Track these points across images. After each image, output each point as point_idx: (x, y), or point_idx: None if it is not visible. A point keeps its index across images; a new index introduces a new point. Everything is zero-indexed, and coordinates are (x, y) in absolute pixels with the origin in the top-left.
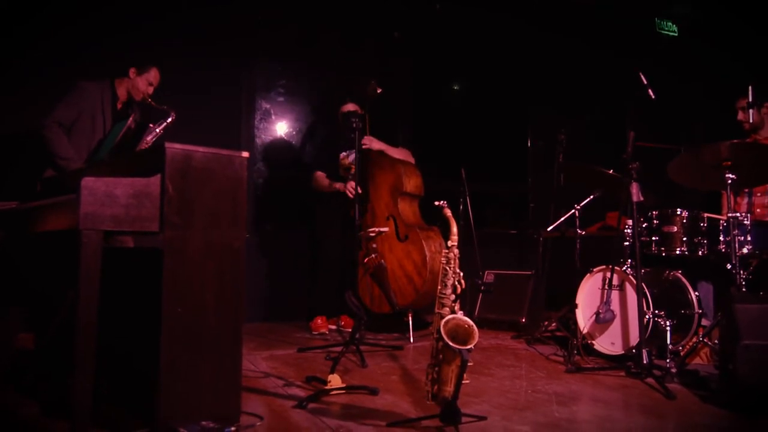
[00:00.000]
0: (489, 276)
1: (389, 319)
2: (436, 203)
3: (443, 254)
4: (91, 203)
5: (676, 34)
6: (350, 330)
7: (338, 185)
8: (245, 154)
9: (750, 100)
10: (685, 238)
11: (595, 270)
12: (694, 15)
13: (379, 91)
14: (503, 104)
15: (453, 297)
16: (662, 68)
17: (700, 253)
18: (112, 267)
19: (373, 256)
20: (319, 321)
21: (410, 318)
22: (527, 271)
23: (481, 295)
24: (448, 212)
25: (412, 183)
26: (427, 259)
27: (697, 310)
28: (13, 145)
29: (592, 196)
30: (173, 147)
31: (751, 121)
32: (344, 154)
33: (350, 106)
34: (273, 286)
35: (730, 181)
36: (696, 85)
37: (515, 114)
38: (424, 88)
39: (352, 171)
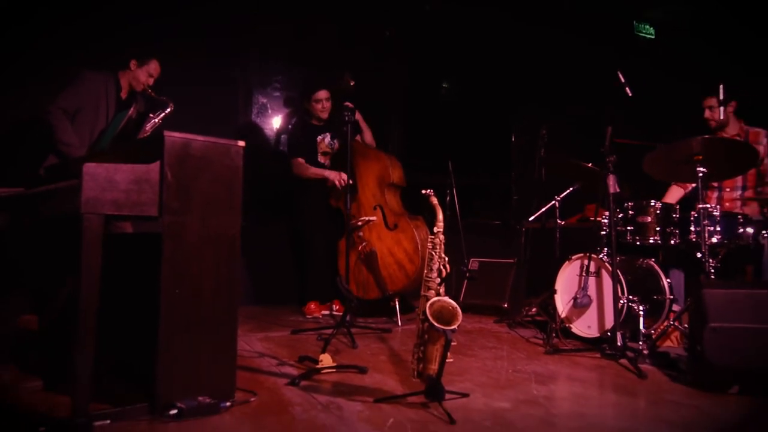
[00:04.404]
0: (474, 263)
1: (378, 304)
2: (423, 192)
3: (429, 240)
4: (93, 188)
5: (653, 37)
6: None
7: (327, 173)
8: (241, 143)
9: (721, 98)
10: (658, 228)
11: (573, 258)
12: (671, 19)
13: (352, 83)
14: (489, 101)
15: (438, 281)
16: (642, 70)
17: (672, 242)
18: (113, 250)
19: (365, 243)
20: (312, 306)
21: (397, 303)
22: (510, 259)
23: (466, 281)
24: (435, 200)
25: (397, 174)
26: (419, 246)
27: (668, 296)
28: (19, 134)
29: (571, 189)
30: (172, 135)
31: (721, 118)
32: (320, 137)
33: (322, 93)
34: (267, 271)
35: (701, 175)
36: (673, 86)
37: (500, 111)
38: (416, 86)
39: (330, 152)
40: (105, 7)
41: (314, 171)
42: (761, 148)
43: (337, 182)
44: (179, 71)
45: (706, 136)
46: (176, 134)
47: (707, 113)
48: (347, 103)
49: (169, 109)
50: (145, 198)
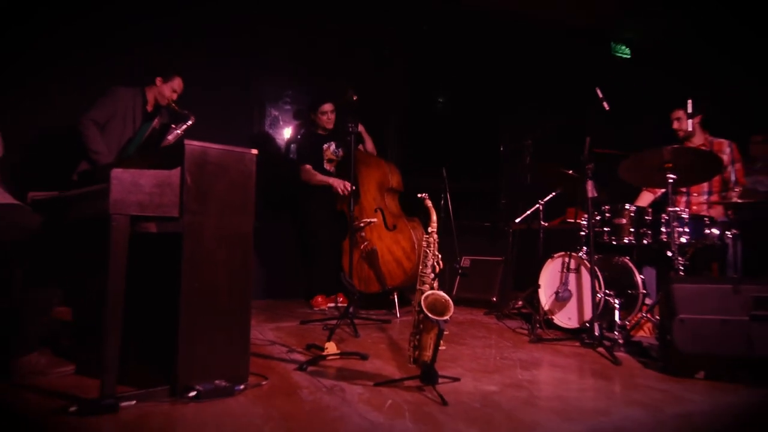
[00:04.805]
0: (465, 261)
1: (379, 298)
2: (419, 195)
3: (424, 239)
4: (120, 191)
5: (629, 56)
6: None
7: (331, 180)
8: (254, 151)
9: (690, 111)
10: (632, 229)
11: (555, 255)
12: (645, 40)
13: (354, 98)
14: (480, 114)
15: (432, 276)
16: (619, 86)
17: (645, 242)
18: (137, 248)
19: (366, 243)
20: (319, 299)
21: (396, 296)
22: (498, 257)
23: (458, 277)
24: (429, 203)
25: (395, 179)
26: (416, 245)
27: (641, 290)
28: (54, 142)
29: (554, 193)
30: (192, 144)
31: (690, 129)
32: (326, 145)
33: (328, 106)
34: (278, 268)
35: (671, 181)
36: (646, 100)
37: (490, 122)
38: (414, 100)
39: (335, 160)
40: (139, 31)
41: (320, 178)
42: (725, 157)
43: (339, 190)
44: (201, 87)
45: (676, 146)
46: (195, 143)
47: (675, 124)
48: (350, 117)
49: (190, 122)
50: (167, 200)
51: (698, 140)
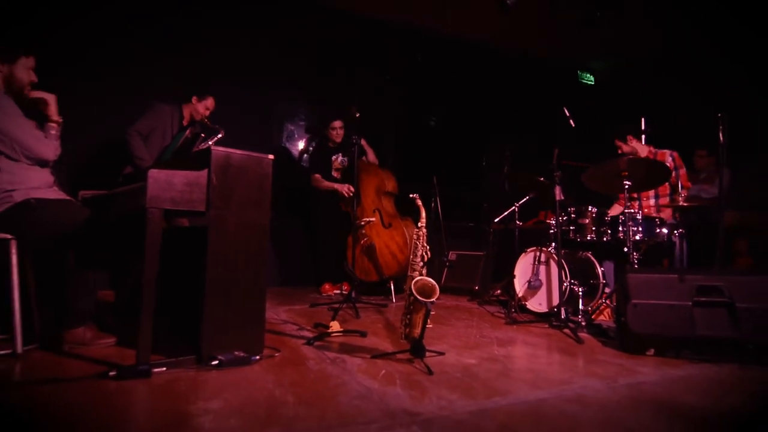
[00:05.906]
0: (452, 255)
1: (377, 286)
2: (411, 195)
3: (415, 232)
4: (156, 188)
5: (593, 83)
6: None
7: (337, 186)
8: (270, 156)
9: (643, 128)
10: (594, 228)
11: (528, 250)
12: (606, 70)
13: (357, 115)
14: (466, 130)
15: (421, 264)
16: (583, 107)
17: (604, 239)
18: (168, 243)
19: (366, 238)
20: (327, 286)
21: (392, 285)
22: (480, 252)
23: (446, 269)
24: (419, 202)
25: (390, 184)
26: (408, 240)
27: (602, 280)
28: (104, 149)
29: (527, 197)
30: (217, 149)
31: (642, 145)
32: (335, 156)
33: (337, 123)
34: (292, 260)
35: (626, 187)
36: (608, 119)
37: (475, 137)
38: (410, 117)
39: (341, 169)
40: (184, 57)
41: (327, 185)
42: (668, 165)
43: (345, 193)
44: (231, 106)
45: (631, 157)
46: (220, 148)
47: (619, 151)
48: (354, 131)
49: (220, 135)
50: (196, 197)
51: (643, 153)
